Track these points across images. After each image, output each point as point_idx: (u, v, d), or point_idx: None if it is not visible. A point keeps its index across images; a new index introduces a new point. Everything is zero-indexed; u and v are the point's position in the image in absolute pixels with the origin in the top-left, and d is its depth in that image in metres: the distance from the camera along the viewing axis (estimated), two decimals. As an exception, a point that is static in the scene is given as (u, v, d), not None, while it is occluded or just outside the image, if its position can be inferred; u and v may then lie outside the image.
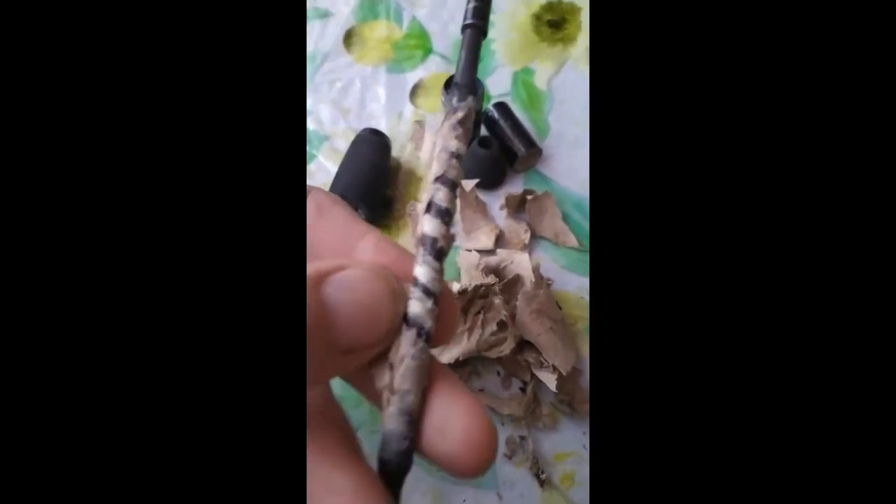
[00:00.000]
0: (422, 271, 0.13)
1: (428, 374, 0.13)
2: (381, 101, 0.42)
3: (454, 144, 0.14)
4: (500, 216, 0.36)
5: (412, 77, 0.43)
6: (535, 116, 0.41)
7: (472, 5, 0.16)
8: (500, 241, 0.35)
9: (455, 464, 0.12)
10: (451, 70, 0.43)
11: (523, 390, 0.30)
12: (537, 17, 0.45)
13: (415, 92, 0.43)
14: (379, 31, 0.46)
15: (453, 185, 0.14)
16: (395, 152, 0.40)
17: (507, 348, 0.28)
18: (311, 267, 0.12)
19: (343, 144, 0.39)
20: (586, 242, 0.36)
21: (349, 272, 0.12)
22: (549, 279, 0.32)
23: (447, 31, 0.46)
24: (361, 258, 0.14)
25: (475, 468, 0.12)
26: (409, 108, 0.42)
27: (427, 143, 0.16)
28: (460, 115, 0.14)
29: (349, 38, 0.45)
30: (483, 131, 0.39)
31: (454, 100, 0.14)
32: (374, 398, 0.14)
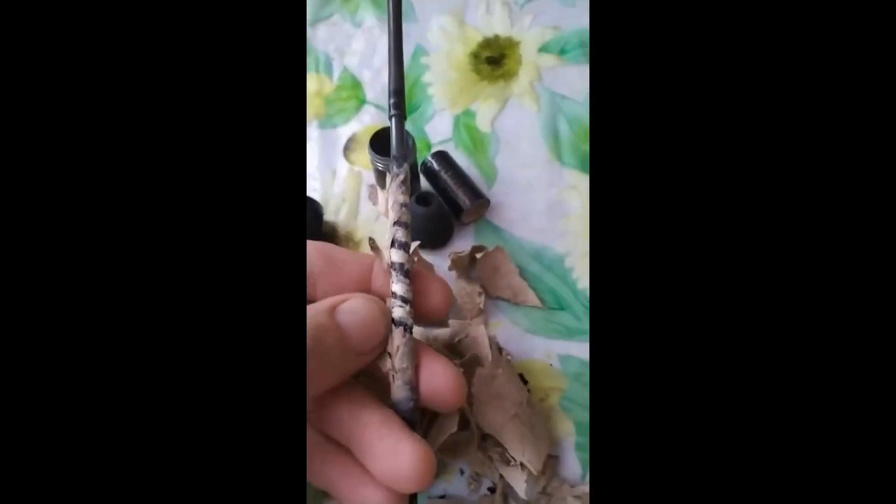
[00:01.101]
0: (398, 287, 0.19)
1: (416, 354, 0.19)
2: (313, 160, 0.38)
3: (402, 198, 0.20)
4: (451, 277, 0.32)
5: (345, 131, 0.39)
6: (480, 161, 0.37)
7: (392, 101, 0.21)
8: (452, 307, 0.30)
9: (443, 405, 0.19)
10: (386, 121, 0.39)
11: (492, 490, 0.25)
12: (475, 56, 0.42)
13: (349, 147, 0.38)
14: (309, 85, 0.42)
15: (406, 225, 0.20)
16: (329, 216, 0.35)
17: (471, 449, 0.23)
18: (324, 302, 0.18)
19: (270, 214, 0.34)
20: (548, 298, 0.31)
21: (351, 301, 0.18)
22: (507, 353, 0.27)
23: (380, 78, 0.42)
24: (378, 279, 0.20)
25: (458, 403, 0.19)
26: (343, 166, 0.37)
27: (381, 199, 0.21)
28: (401, 177, 0.20)
29: (274, 95, 0.41)
30: (424, 183, 0.35)
31: (394, 167, 0.20)
32: (381, 380, 0.19)
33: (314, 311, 0.17)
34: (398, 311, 0.18)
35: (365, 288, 0.20)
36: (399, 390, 0.18)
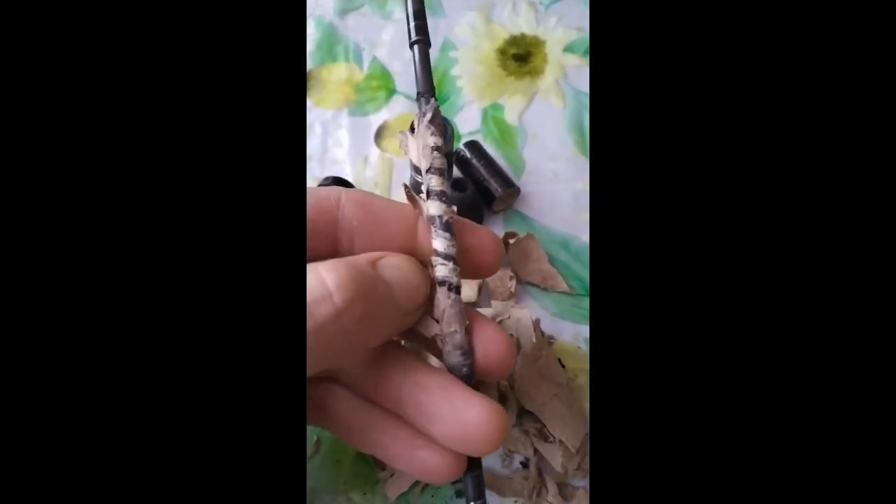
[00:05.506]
0: (439, 242, 0.16)
1: (465, 316, 0.16)
2: (344, 145, 0.37)
3: (432, 140, 0.16)
4: (482, 262, 0.31)
5: (376, 119, 0.38)
6: (508, 153, 0.36)
7: (413, 24, 0.17)
8: (484, 291, 0.30)
9: (496, 373, 0.17)
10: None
11: (524, 465, 0.24)
12: (502, 52, 0.41)
13: (380, 134, 0.37)
14: (338, 73, 0.40)
15: (440, 171, 0.16)
16: (362, 199, 0.34)
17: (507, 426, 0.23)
18: (361, 257, 0.15)
19: (305, 195, 0.33)
20: (576, 285, 0.31)
21: (391, 257, 0.16)
22: (550, 336, 0.27)
23: (410, 69, 0.40)
24: (423, 232, 0.17)
25: (509, 370, 0.17)
26: (374, 152, 0.36)
27: (412, 147, 0.16)
28: (429, 115, 0.16)
29: (307, 81, 0.40)
30: (456, 172, 0.34)
31: (421, 104, 0.16)
32: (429, 346, 0.18)
33: (353, 263, 0.14)
34: (441, 270, 0.15)
35: (410, 242, 0.17)
36: (450, 356, 0.16)
